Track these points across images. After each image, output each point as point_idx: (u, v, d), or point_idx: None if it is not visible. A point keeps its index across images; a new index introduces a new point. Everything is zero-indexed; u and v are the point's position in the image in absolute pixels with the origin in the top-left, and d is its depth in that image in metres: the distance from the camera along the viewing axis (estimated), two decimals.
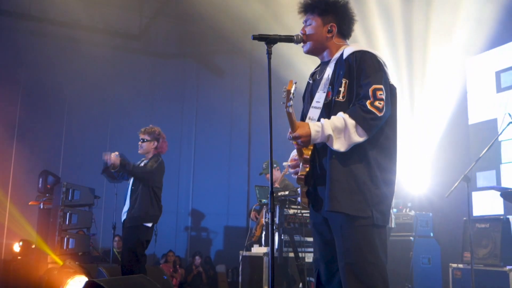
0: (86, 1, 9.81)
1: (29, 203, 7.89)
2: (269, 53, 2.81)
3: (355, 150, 2.62)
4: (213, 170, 10.84)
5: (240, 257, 6.43)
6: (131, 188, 5.66)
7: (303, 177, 2.76)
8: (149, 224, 5.48)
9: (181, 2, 10.21)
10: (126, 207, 5.60)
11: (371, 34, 8.62)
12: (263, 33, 2.85)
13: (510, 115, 5.33)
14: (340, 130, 2.57)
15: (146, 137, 5.85)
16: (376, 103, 2.57)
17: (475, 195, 7.46)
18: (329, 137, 2.58)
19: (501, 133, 5.45)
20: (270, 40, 2.81)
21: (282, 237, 5.82)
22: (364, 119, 2.55)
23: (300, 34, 2.91)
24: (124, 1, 9.93)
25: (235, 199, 10.97)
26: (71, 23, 9.83)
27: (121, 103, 10.07)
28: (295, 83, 2.54)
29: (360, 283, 2.57)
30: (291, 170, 2.93)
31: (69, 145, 9.56)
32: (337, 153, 2.62)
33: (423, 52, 9.14)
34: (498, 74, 7.72)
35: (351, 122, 2.56)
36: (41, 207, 7.65)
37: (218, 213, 10.85)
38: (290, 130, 2.63)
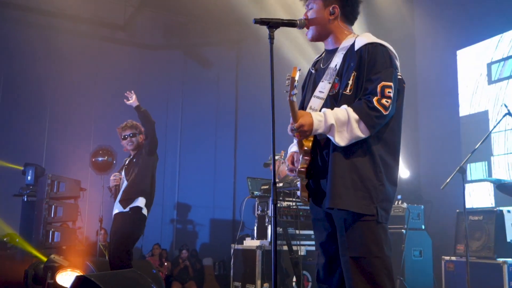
0: None
1: (13, 196, 7.70)
2: (271, 38, 2.70)
3: (359, 144, 2.52)
4: (199, 162, 10.72)
5: (232, 250, 6.32)
6: (133, 160, 5.49)
7: (304, 169, 2.65)
8: (145, 211, 5.32)
9: None
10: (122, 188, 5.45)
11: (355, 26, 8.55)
12: (265, 17, 2.74)
13: (506, 106, 5.29)
14: (343, 123, 2.47)
15: (134, 130, 5.62)
16: (383, 100, 2.47)
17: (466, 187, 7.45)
18: (331, 127, 2.48)
19: (496, 125, 5.42)
20: (272, 24, 2.70)
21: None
22: (368, 115, 2.46)
23: (303, 18, 2.80)
24: None
25: (221, 192, 10.87)
26: (55, 12, 9.61)
27: (106, 94, 9.89)
28: (299, 70, 2.44)
29: (366, 277, 2.49)
30: (290, 174, 2.85)
31: (52, 136, 9.37)
32: (339, 147, 2.52)
33: (412, 44, 9.14)
34: (489, 66, 7.71)
35: (354, 117, 2.46)
36: (25, 199, 7.47)
37: (204, 206, 10.74)
38: (291, 121, 2.51)
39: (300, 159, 2.67)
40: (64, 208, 7.15)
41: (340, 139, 2.48)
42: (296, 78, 2.40)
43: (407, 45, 8.91)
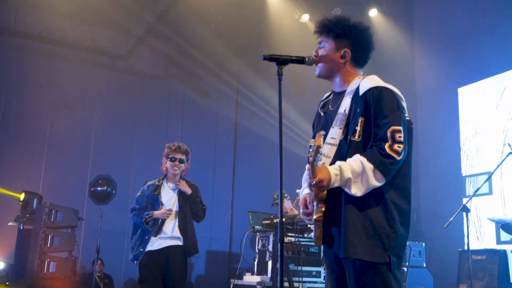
0: (73, 18, 9.66)
1: (8, 224, 7.58)
2: (279, 74, 2.70)
3: (371, 192, 2.50)
4: None
5: (232, 286, 6.21)
6: (180, 217, 4.95)
7: (321, 218, 2.61)
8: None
9: (169, 24, 10.13)
10: (172, 234, 4.91)
11: None
12: (274, 54, 2.74)
13: (510, 145, 5.30)
14: (358, 174, 2.45)
15: (185, 157, 5.15)
16: (395, 146, 2.45)
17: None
18: (348, 180, 2.46)
19: (501, 163, 5.41)
20: (281, 61, 2.70)
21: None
22: (382, 163, 2.44)
23: (312, 55, 2.79)
24: (112, 20, 9.80)
25: (218, 224, 10.76)
26: (57, 40, 9.66)
27: (105, 123, 9.90)
28: (323, 135, 2.44)
29: None
30: (305, 217, 2.77)
31: (50, 164, 9.30)
32: (351, 195, 2.50)
33: (413, 81, 9.21)
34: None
35: (369, 166, 2.44)
36: (21, 228, 7.35)
37: (201, 237, 10.57)
38: (308, 174, 2.50)
39: (315, 206, 2.63)
40: (61, 237, 7.02)
41: (357, 190, 2.46)
42: (322, 146, 2.38)
43: (408, 81, 8.99)
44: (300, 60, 2.75)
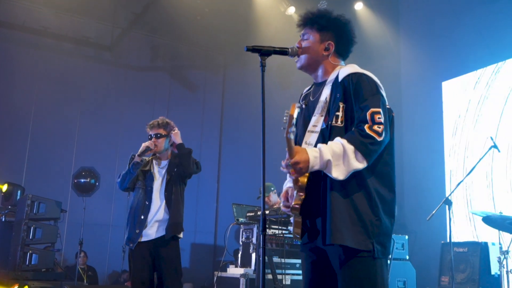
0: (58, 9, 9.57)
1: None
2: (263, 66, 2.69)
3: (354, 178, 2.48)
4: None
5: (215, 278, 6.21)
6: (165, 194, 4.64)
7: (298, 206, 2.57)
8: (181, 234, 4.68)
9: (155, 15, 10.07)
10: (158, 217, 4.58)
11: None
12: (257, 45, 2.73)
13: (492, 138, 5.33)
14: (339, 156, 2.42)
15: (160, 130, 4.74)
16: (375, 127, 2.44)
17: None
18: (327, 162, 2.42)
19: (483, 157, 5.45)
20: (264, 52, 2.69)
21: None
22: (363, 144, 2.41)
23: (295, 46, 2.78)
24: (97, 11, 9.72)
25: (203, 216, 10.75)
26: (41, 30, 9.56)
27: (89, 114, 9.82)
28: (298, 107, 2.37)
29: None
30: (284, 209, 2.75)
31: (33, 155, 9.22)
32: (335, 182, 2.47)
33: (398, 75, 9.24)
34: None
35: (349, 147, 2.41)
36: (3, 219, 7.28)
37: (185, 230, 10.56)
38: (287, 157, 2.45)
39: (295, 195, 2.61)
40: (43, 229, 6.95)
41: (339, 173, 2.43)
42: (295, 116, 2.33)
43: (393, 76, 9.02)
44: (284, 51, 2.74)
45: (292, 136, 2.37)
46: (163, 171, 4.78)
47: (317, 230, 2.58)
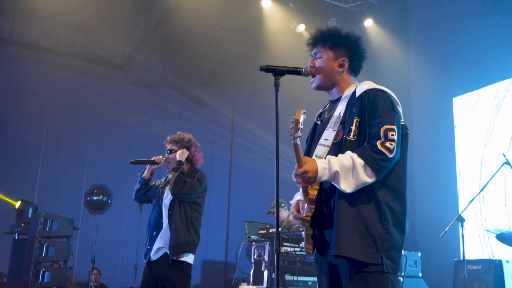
0: (69, 28, 9.69)
1: (4, 233, 7.55)
2: (276, 85, 2.70)
3: (364, 191, 2.48)
4: None
5: None
6: (168, 213, 4.45)
7: (309, 218, 2.58)
8: (188, 258, 4.36)
9: (165, 33, 10.17)
10: (164, 235, 4.38)
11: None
12: (270, 65, 2.74)
13: (504, 155, 5.31)
14: (348, 170, 2.44)
15: (174, 146, 4.69)
16: (387, 143, 2.45)
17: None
18: (335, 174, 2.44)
19: (495, 174, 5.43)
20: (278, 72, 2.70)
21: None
22: (373, 159, 2.43)
23: (309, 66, 2.80)
24: (108, 30, 9.82)
25: (214, 233, 10.74)
26: (53, 49, 9.67)
27: (101, 132, 9.90)
28: (304, 113, 2.41)
29: None
30: (295, 221, 2.76)
31: (45, 173, 9.29)
32: (345, 194, 2.47)
33: (408, 91, 9.24)
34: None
35: (359, 162, 2.43)
36: (16, 237, 7.31)
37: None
38: (296, 166, 2.47)
39: (305, 207, 2.62)
40: (56, 247, 6.98)
41: (346, 186, 2.44)
42: (301, 121, 2.37)
43: (403, 93, 9.02)
44: (297, 72, 2.76)
45: (299, 142, 2.39)
46: None
47: (327, 243, 2.58)
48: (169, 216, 4.43)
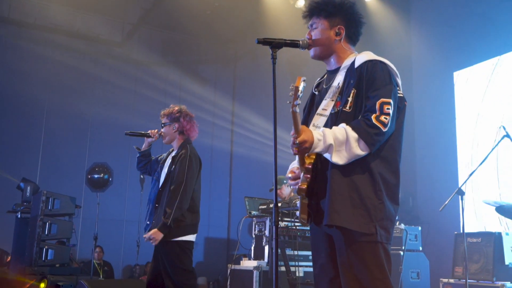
0: (68, 6, 9.63)
1: (6, 212, 7.60)
2: (273, 58, 2.70)
3: (358, 161, 2.49)
4: None
5: (229, 271, 6.25)
6: (159, 190, 4.43)
7: (304, 187, 2.59)
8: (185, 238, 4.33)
9: (165, 11, 10.09)
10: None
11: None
12: (268, 37, 2.73)
13: (504, 128, 5.30)
14: (341, 143, 2.44)
15: (165, 120, 4.59)
16: (382, 117, 2.45)
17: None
18: (329, 146, 2.45)
19: (495, 146, 5.42)
20: (275, 45, 2.70)
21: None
22: (367, 133, 2.43)
23: (306, 39, 2.79)
24: (107, 8, 9.76)
25: (216, 211, 10.80)
26: (51, 27, 9.61)
27: (101, 110, 9.88)
28: (304, 80, 2.40)
29: None
30: (292, 182, 2.76)
31: (47, 152, 9.32)
32: (338, 165, 2.48)
33: (409, 64, 9.19)
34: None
35: (353, 135, 2.44)
36: (19, 216, 7.36)
37: (199, 224, 10.64)
38: (292, 132, 2.46)
39: (301, 176, 2.63)
40: (58, 225, 7.03)
41: (339, 158, 2.45)
42: (300, 88, 2.36)
43: (404, 67, 8.96)
44: (295, 44, 2.76)
45: (297, 110, 2.39)
46: (170, 161, 4.55)
47: (323, 213, 2.57)
48: (159, 193, 4.38)
